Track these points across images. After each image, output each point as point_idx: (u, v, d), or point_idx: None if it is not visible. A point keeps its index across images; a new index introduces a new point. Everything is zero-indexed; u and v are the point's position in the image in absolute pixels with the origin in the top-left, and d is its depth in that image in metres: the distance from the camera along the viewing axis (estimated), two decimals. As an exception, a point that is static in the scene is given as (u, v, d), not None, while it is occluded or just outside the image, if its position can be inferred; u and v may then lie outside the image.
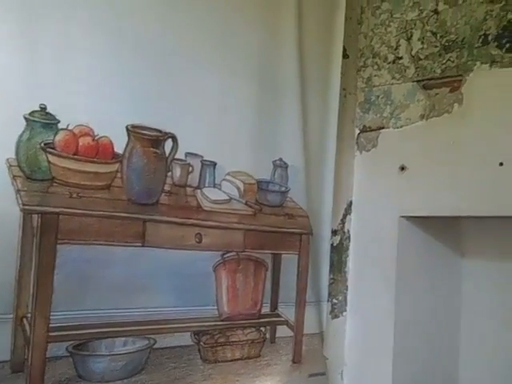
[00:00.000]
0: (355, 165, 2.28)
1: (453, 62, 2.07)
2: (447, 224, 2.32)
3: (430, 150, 2.10)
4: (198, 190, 1.80)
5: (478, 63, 2.02)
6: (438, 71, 2.11)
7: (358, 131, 2.28)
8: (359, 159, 2.27)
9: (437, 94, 2.11)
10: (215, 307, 1.84)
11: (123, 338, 1.64)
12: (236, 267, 1.89)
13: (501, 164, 1.95)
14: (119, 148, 1.60)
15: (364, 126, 2.27)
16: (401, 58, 2.20)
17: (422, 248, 2.28)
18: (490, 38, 2.00)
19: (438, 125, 2.09)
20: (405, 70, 2.19)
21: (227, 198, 1.85)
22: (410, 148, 2.15)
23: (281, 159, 1.98)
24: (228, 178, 1.86)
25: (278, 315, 2.01)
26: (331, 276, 2.22)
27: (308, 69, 2.08)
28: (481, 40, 2.02)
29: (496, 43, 1.99)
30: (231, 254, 1.86)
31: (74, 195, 1.51)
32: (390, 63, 2.23)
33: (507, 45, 1.96)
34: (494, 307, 2.34)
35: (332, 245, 2.22)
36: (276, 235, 1.96)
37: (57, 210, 1.47)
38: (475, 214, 2.01)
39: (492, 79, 1.99)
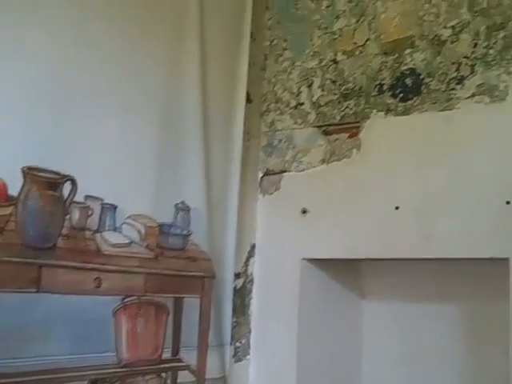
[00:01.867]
0: (258, 208, 2.31)
1: (351, 109, 2.15)
2: (348, 266, 2.37)
3: (331, 194, 2.16)
4: (98, 234, 1.76)
5: (375, 111, 2.11)
6: (338, 117, 2.18)
7: (261, 174, 2.32)
8: (262, 202, 2.31)
9: (336, 139, 2.18)
10: (114, 353, 1.79)
11: (14, 390, 1.56)
12: (136, 311, 1.84)
13: (396, 208, 2.02)
14: (14, 191, 1.55)
15: (267, 170, 2.31)
16: (302, 103, 2.27)
17: (324, 290, 2.32)
18: (385, 87, 2.10)
19: (338, 169, 2.16)
20: (306, 116, 2.25)
21: (128, 241, 1.81)
22: (311, 191, 2.20)
23: (183, 202, 1.97)
24: (129, 221, 1.83)
25: (180, 360, 1.97)
26: (234, 319, 2.21)
27: (212, 112, 2.10)
28: (377, 89, 2.11)
29: (391, 92, 2.09)
30: (132, 298, 1.82)
31: (-37, 239, 1.45)
32: (292, 108, 2.29)
33: (400, 94, 2.07)
34: (393, 348, 2.39)
35: (235, 288, 2.21)
36: (178, 279, 1.93)
37: None
38: (373, 256, 2.07)
39: (387, 126, 2.08)
